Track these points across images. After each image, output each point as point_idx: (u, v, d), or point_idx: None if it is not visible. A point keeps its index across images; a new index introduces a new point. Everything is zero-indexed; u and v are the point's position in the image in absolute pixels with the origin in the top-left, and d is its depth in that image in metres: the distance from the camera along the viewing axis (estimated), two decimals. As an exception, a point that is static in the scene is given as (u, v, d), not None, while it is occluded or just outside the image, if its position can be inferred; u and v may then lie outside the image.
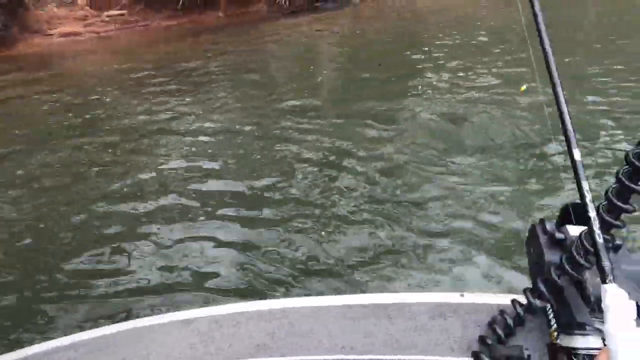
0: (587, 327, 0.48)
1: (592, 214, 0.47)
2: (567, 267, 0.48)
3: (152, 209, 2.95)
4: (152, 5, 9.45)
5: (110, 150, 3.94)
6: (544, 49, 0.62)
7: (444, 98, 4.62)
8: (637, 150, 0.43)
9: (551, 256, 0.52)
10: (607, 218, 0.46)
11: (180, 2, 9.22)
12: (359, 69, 6.04)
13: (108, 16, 9.37)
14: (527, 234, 0.58)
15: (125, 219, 2.86)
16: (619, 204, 0.45)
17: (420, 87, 5.01)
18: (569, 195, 2.64)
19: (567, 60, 5.02)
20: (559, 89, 0.57)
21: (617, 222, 0.46)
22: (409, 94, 4.84)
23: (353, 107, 4.59)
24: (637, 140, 0.45)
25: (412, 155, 3.43)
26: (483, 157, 3.34)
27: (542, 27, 0.64)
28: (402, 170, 3.24)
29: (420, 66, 5.81)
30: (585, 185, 0.50)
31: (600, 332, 0.44)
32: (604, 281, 0.44)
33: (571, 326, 0.49)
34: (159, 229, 2.72)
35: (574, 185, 0.51)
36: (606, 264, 0.44)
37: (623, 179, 0.44)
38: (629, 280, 0.47)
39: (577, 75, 4.68)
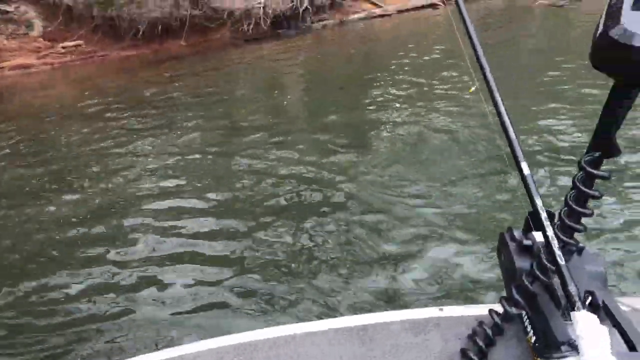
0: (563, 348, 0.46)
1: (550, 232, 0.46)
2: (537, 272, 0.49)
3: (116, 231, 2.83)
4: (111, 36, 9.28)
5: (70, 176, 3.77)
6: (481, 67, 0.65)
7: (406, 116, 4.79)
8: (587, 157, 0.44)
9: (521, 263, 0.52)
10: (569, 223, 0.47)
11: (140, 32, 9.13)
12: (321, 92, 6.17)
13: (63, 47, 9.08)
14: (497, 243, 0.59)
15: (87, 242, 2.70)
16: (578, 208, 0.46)
17: (382, 107, 5.18)
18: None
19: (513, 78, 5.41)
20: (501, 107, 0.58)
21: (578, 226, 0.47)
22: (371, 114, 4.98)
23: (317, 129, 4.65)
24: (586, 146, 0.47)
25: (377, 174, 3.48)
26: (448, 171, 3.45)
27: (479, 48, 0.68)
28: (365, 189, 3.26)
29: (379, 85, 6.02)
30: (538, 202, 0.50)
31: (577, 351, 0.43)
32: (572, 308, 0.43)
33: (548, 348, 0.48)
34: (122, 251, 2.58)
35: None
36: (572, 289, 0.43)
37: (578, 184, 0.45)
38: (594, 280, 0.48)
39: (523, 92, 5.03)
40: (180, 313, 2.08)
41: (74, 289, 2.29)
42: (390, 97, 5.51)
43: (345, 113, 5.09)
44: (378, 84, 6.08)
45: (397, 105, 5.16)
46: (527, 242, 0.53)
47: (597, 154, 0.43)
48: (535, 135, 3.95)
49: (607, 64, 0.36)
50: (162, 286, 2.27)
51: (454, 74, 6.03)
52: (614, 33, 0.33)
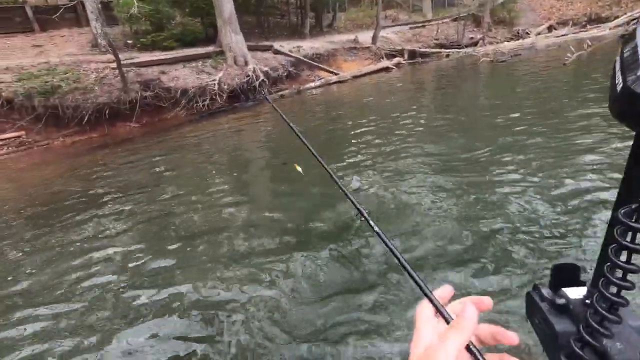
0: None
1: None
2: (587, 338, 0.44)
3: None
4: (54, 124, 8.84)
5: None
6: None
7: (372, 186, 4.34)
8: (625, 209, 0.42)
9: (562, 325, 0.47)
10: (614, 280, 0.43)
11: (86, 118, 8.75)
12: (262, 168, 5.78)
13: (1, 140, 8.51)
14: (525, 304, 0.53)
15: None
16: (622, 264, 0.43)
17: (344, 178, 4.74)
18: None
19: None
20: None
21: (626, 284, 0.43)
22: (321, 190, 4.52)
23: (275, 208, 4.11)
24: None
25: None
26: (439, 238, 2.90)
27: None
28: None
29: (341, 154, 5.67)
30: None
31: None
32: None
33: None
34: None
35: None
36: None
37: (619, 238, 0.42)
38: None
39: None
40: None
41: None
42: (350, 166, 5.13)
43: (297, 188, 4.62)
44: (339, 154, 5.75)
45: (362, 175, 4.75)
46: (559, 300, 0.49)
47: (633, 206, 0.41)
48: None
49: (630, 116, 0.38)
50: None
51: (415, 136, 5.79)
52: (636, 86, 0.36)
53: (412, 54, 16.32)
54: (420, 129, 6.50)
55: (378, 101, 9.71)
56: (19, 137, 8.68)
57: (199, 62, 11.03)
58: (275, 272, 2.99)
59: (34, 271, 3.47)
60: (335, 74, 13.89)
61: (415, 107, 8.35)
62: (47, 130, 8.84)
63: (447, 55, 16.28)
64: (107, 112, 8.98)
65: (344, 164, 5.18)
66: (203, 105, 10.28)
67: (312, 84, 13.04)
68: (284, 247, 3.33)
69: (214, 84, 10.49)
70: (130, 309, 2.78)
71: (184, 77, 10.27)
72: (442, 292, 0.50)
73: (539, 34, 17.96)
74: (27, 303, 3.01)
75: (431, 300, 0.49)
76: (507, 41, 17.35)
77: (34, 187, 6.12)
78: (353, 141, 6.13)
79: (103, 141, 8.69)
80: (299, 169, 4.15)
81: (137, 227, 4.11)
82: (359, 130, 6.78)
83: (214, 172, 5.69)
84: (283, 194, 4.61)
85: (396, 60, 15.51)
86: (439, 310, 0.48)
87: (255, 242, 3.45)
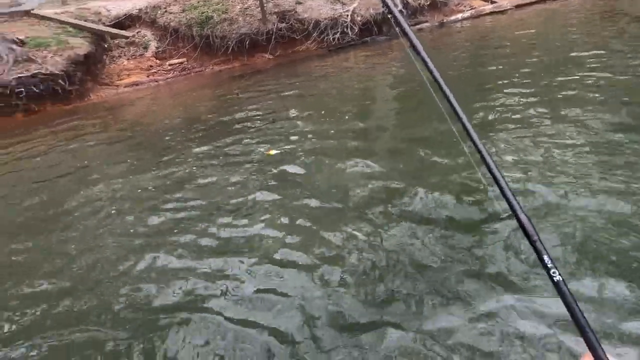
0: None
1: None
2: None
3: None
4: (207, 53, 10.01)
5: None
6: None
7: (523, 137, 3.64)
8: None
9: None
10: None
11: (230, 48, 9.60)
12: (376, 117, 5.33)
13: (170, 65, 10.16)
14: None
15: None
16: None
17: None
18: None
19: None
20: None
21: None
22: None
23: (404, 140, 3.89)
24: None
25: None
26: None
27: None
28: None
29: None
30: None
31: None
32: None
33: None
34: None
35: None
36: None
37: None
38: None
39: None
40: None
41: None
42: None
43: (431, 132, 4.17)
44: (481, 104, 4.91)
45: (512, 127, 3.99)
46: None
47: None
48: None
49: None
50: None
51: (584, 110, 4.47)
52: None
53: (612, -27, 12.09)
54: (600, 86, 4.86)
55: (544, 41, 7.71)
56: (182, 63, 10.20)
57: (336, -10, 10.53)
58: (375, 236, 2.83)
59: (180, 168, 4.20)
60: (492, 2, 11.51)
61: (598, 52, 6.24)
62: (202, 58, 10.10)
63: (672, -27, 11.49)
64: (247, 43, 9.64)
65: (478, 121, 4.32)
66: (333, 39, 10.02)
67: (460, 15, 11.17)
68: (398, 209, 3.07)
69: (347, 14, 9.98)
70: (235, 238, 3.11)
71: (318, 7, 10.05)
72: None
73: None
74: (160, 200, 3.69)
75: None
76: None
77: (190, 106, 7.22)
78: (498, 94, 5.03)
79: (242, 70, 9.50)
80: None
81: (258, 159, 4.45)
82: (508, 80, 5.55)
83: (335, 113, 5.57)
84: (409, 148, 4.13)
85: (583, -18, 11.79)
86: None
87: (367, 199, 3.28)
